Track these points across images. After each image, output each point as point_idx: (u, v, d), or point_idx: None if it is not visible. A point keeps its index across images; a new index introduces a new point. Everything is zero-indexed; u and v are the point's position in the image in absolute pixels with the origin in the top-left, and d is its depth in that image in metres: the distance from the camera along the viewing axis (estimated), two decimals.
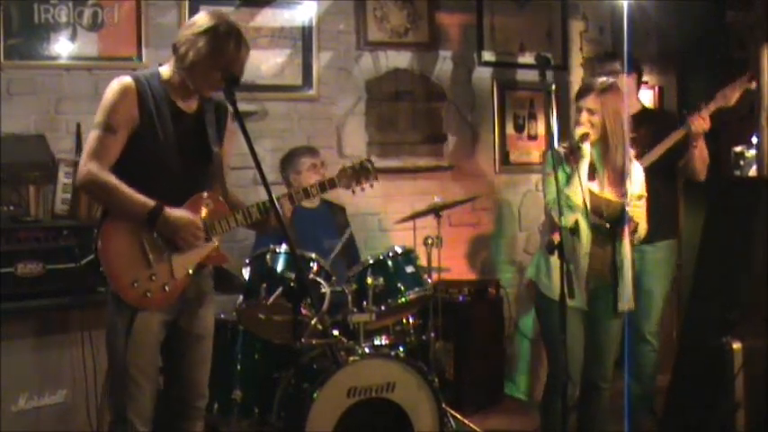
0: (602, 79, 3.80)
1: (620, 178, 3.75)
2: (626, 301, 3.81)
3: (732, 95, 4.14)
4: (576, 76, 5.91)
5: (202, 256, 3.15)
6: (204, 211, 3.15)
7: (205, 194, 3.17)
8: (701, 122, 4.13)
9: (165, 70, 3.15)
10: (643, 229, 3.78)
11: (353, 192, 3.40)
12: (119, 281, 3.01)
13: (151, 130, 3.06)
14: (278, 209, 2.98)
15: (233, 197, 3.34)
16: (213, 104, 3.24)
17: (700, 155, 4.26)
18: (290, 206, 3.24)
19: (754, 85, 4.21)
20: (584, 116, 3.72)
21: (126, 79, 3.07)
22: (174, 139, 3.10)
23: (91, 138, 3.05)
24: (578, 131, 3.72)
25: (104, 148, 3.02)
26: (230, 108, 3.19)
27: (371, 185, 3.42)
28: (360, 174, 3.37)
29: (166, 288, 3.07)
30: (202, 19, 3.09)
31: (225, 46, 3.04)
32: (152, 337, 3.09)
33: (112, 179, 3.00)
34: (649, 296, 4.46)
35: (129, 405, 3.05)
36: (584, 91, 3.78)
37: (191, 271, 3.13)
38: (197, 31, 3.05)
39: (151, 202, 3.02)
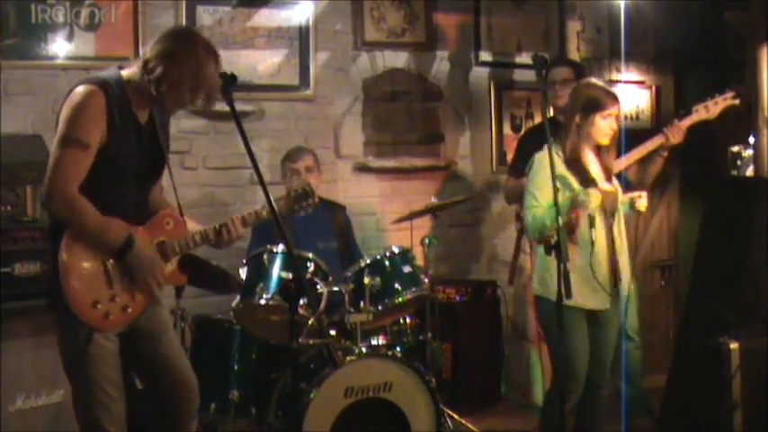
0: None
1: (609, 174, 3.83)
2: (625, 281, 3.84)
3: (714, 110, 4.05)
4: None
5: None
6: (165, 232, 3.12)
7: (166, 212, 3.15)
8: (678, 133, 4.05)
9: (128, 75, 3.01)
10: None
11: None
12: (79, 300, 2.92)
13: (116, 143, 2.95)
14: (275, 209, 2.98)
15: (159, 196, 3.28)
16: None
17: (660, 163, 4.23)
18: (242, 228, 3.21)
19: (738, 102, 4.11)
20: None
21: (95, 88, 2.92)
22: (137, 152, 3.03)
23: (61, 154, 2.88)
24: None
25: (78, 166, 2.89)
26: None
27: (311, 210, 3.44)
28: (300, 199, 3.38)
29: (128, 310, 3.01)
30: (168, 39, 2.98)
31: (190, 68, 2.93)
32: (113, 346, 3.01)
33: (87, 206, 2.89)
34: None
35: (104, 417, 2.97)
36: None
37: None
38: (163, 51, 2.94)
39: (123, 234, 2.95)
